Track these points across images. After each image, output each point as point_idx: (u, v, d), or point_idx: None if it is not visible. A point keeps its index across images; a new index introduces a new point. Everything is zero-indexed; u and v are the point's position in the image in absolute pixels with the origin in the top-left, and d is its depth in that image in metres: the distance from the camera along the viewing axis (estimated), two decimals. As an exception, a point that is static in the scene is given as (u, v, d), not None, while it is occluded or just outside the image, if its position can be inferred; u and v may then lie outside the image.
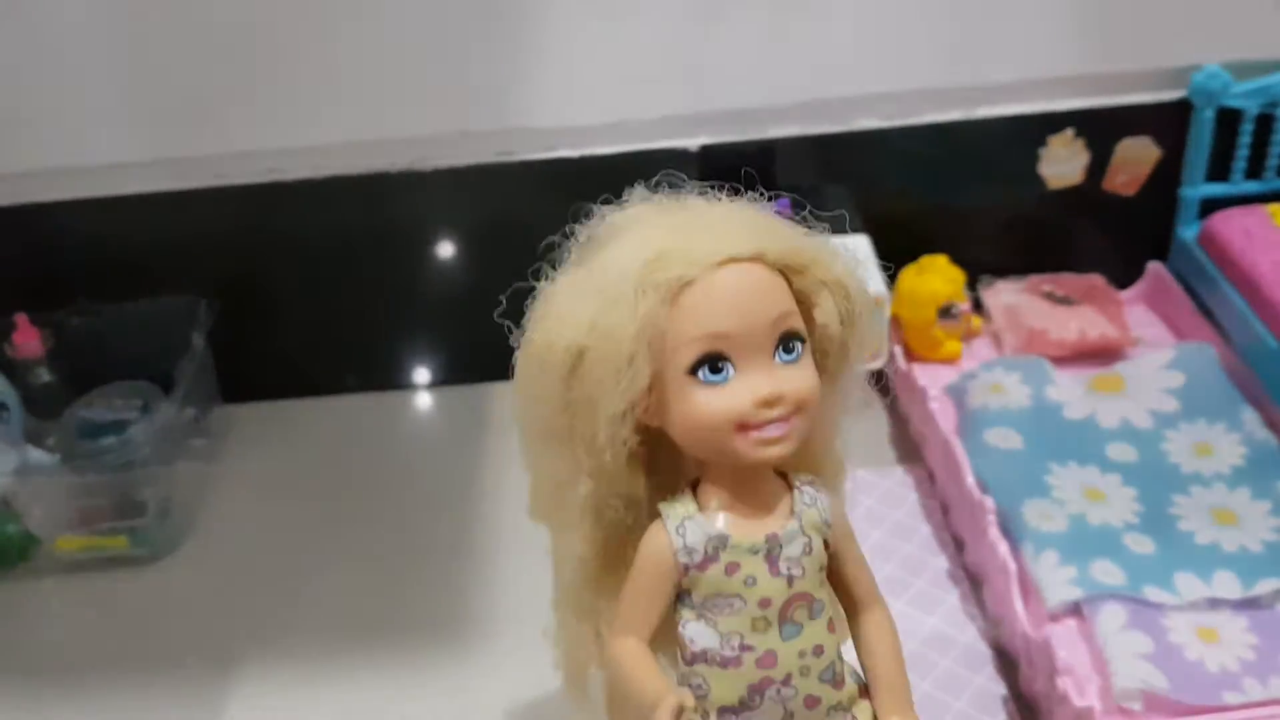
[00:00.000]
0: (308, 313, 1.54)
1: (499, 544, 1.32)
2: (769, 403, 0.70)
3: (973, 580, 1.20)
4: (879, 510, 1.30)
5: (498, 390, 1.56)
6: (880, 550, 1.25)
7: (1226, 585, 1.07)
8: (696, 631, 0.75)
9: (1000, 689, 1.08)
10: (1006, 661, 1.11)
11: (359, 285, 1.52)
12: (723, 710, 0.75)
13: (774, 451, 0.71)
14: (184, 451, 1.42)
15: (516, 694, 1.13)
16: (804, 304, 0.73)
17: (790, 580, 0.74)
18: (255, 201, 1.46)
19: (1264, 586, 1.06)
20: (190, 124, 1.41)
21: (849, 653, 0.81)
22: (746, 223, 0.73)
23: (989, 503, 1.16)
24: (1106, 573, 1.08)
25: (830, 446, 0.81)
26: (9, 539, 1.35)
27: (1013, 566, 1.10)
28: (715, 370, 0.70)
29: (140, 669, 1.22)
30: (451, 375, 1.60)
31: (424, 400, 1.61)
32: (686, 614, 0.76)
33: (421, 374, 1.61)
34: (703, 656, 0.75)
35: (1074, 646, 1.04)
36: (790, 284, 0.72)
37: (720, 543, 0.74)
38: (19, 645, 1.27)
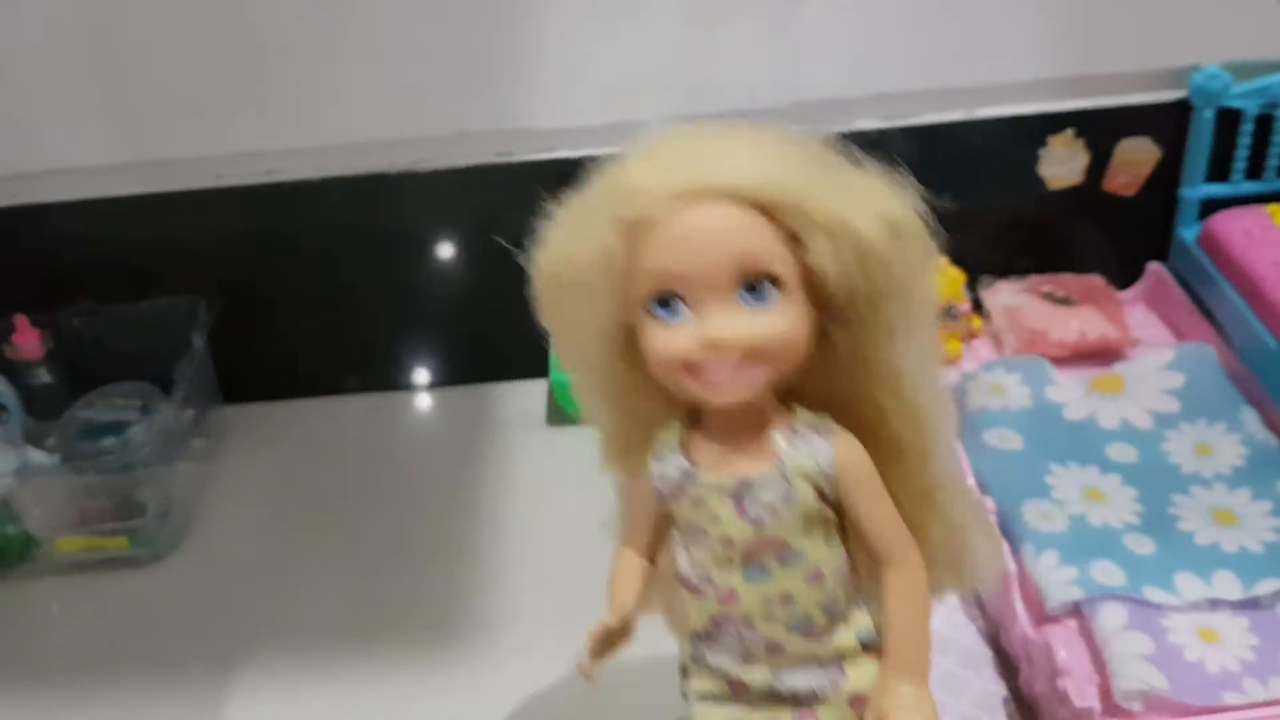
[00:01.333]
0: (307, 313, 1.54)
1: (498, 544, 1.32)
2: (714, 346, 0.68)
3: (973, 581, 1.20)
4: (879, 511, 1.30)
5: (497, 390, 1.56)
6: (880, 551, 1.25)
7: (1227, 586, 1.07)
8: (678, 554, 0.78)
9: (1000, 690, 1.08)
10: (1007, 662, 1.11)
11: (358, 286, 1.52)
12: (695, 634, 0.79)
13: (723, 396, 0.71)
14: (184, 452, 1.42)
15: (516, 693, 1.12)
16: (800, 244, 0.70)
17: (759, 525, 0.74)
18: (255, 202, 1.46)
19: (1264, 587, 1.06)
20: (189, 125, 1.41)
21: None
22: (737, 153, 0.70)
23: (989, 503, 1.16)
24: (1106, 573, 1.08)
25: (897, 400, 0.76)
26: (9, 540, 1.35)
27: (1013, 567, 1.10)
28: (667, 308, 0.70)
29: (140, 669, 1.22)
30: (451, 376, 1.60)
31: (423, 401, 1.61)
32: (676, 536, 0.78)
33: (421, 374, 1.61)
34: (680, 579, 0.78)
35: (1074, 647, 1.04)
36: (781, 222, 0.69)
37: (689, 476, 0.75)
38: (19, 646, 1.27)
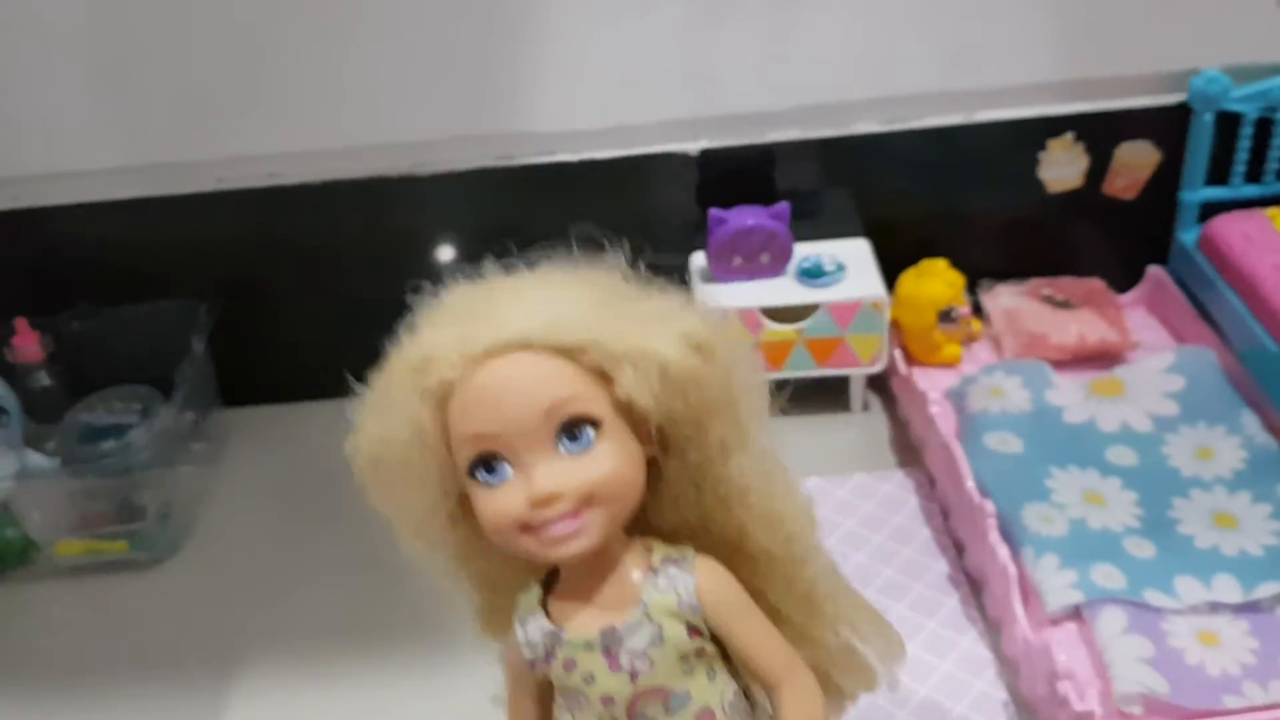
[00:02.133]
0: (307, 316, 1.54)
1: (499, 548, 1.32)
2: (544, 502, 0.66)
3: (973, 584, 1.20)
4: (879, 514, 1.30)
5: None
6: (880, 554, 1.25)
7: (1227, 589, 1.07)
8: None
9: (1000, 693, 1.08)
10: (1007, 665, 1.11)
11: (359, 289, 1.52)
12: None
13: (567, 550, 0.67)
14: (184, 455, 1.42)
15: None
16: (607, 380, 0.68)
17: (634, 675, 0.70)
18: (255, 205, 1.46)
19: (1264, 590, 1.06)
20: (190, 129, 1.42)
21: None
22: (524, 304, 0.69)
23: (989, 506, 1.16)
24: (1107, 576, 1.08)
25: (750, 514, 0.73)
26: (9, 543, 1.35)
27: (1013, 570, 1.10)
28: (490, 470, 0.67)
29: (140, 671, 1.22)
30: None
31: (424, 404, 1.60)
32: (559, 705, 0.74)
33: (421, 378, 1.61)
34: None
35: (1074, 650, 1.04)
36: (585, 360, 0.67)
37: (555, 638, 0.72)
38: (19, 648, 1.27)
